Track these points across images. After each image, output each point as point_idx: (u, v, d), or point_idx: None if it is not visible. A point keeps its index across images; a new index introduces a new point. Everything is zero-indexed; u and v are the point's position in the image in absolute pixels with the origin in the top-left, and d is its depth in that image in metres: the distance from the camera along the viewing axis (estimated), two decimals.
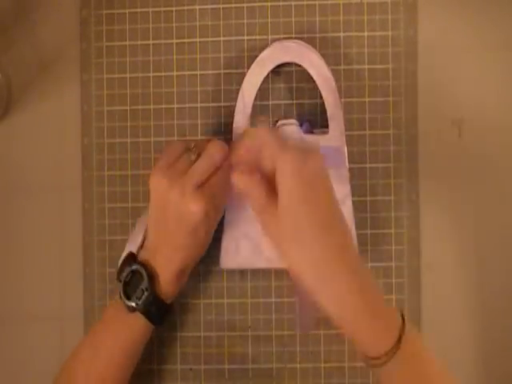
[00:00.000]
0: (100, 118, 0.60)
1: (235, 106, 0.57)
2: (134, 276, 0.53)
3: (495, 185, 0.59)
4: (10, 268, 0.61)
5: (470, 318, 0.59)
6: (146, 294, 0.52)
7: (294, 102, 0.59)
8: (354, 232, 0.55)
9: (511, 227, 0.59)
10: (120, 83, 0.60)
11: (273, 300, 0.59)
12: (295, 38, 0.58)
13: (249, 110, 0.56)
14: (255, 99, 0.57)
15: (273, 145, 0.46)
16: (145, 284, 0.52)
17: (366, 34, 0.59)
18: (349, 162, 0.56)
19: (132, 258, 0.53)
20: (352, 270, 0.45)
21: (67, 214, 0.61)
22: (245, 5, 0.59)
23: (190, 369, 0.59)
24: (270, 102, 0.59)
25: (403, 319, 0.46)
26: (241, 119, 0.56)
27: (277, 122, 0.58)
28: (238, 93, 0.57)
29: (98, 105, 0.60)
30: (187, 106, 0.60)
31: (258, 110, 0.59)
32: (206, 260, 0.59)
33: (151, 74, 0.60)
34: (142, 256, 0.53)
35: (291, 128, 0.56)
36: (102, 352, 0.53)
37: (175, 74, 0.60)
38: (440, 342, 0.58)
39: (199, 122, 0.59)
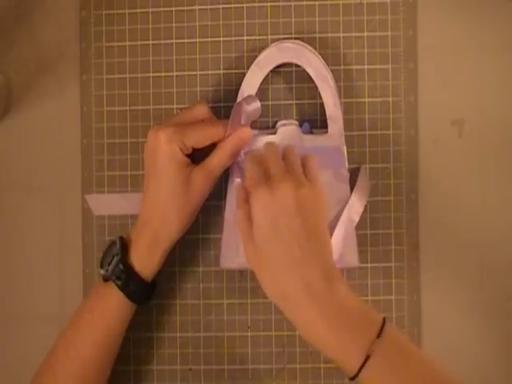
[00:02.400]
0: (100, 119, 0.60)
1: None
2: (111, 247, 0.54)
3: (495, 185, 0.59)
4: (10, 268, 0.61)
5: (469, 318, 0.59)
6: (115, 259, 0.52)
7: (294, 102, 0.59)
8: (354, 233, 0.55)
9: (511, 228, 0.59)
10: (120, 83, 0.60)
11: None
12: (295, 38, 0.58)
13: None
14: None
15: (252, 177, 0.49)
16: (116, 250, 0.53)
17: (365, 34, 0.59)
18: (348, 163, 0.56)
19: (120, 236, 0.55)
20: (318, 300, 0.46)
21: (67, 214, 0.61)
22: (244, 5, 0.59)
23: (190, 369, 0.59)
24: (270, 103, 0.59)
25: (382, 324, 0.46)
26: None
27: (276, 122, 0.58)
28: (237, 93, 0.57)
29: (98, 105, 0.60)
30: (187, 106, 0.60)
31: None
32: (205, 260, 0.59)
33: (151, 75, 0.60)
34: (128, 230, 0.55)
35: (291, 128, 0.56)
36: (80, 331, 0.53)
37: (175, 74, 0.60)
38: (440, 342, 0.58)
39: None
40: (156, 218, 0.53)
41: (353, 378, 0.45)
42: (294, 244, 0.47)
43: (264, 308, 0.59)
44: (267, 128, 0.59)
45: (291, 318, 0.48)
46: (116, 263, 0.52)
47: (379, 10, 0.58)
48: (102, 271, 0.53)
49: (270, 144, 0.52)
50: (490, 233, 0.59)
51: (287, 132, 0.55)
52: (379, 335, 0.45)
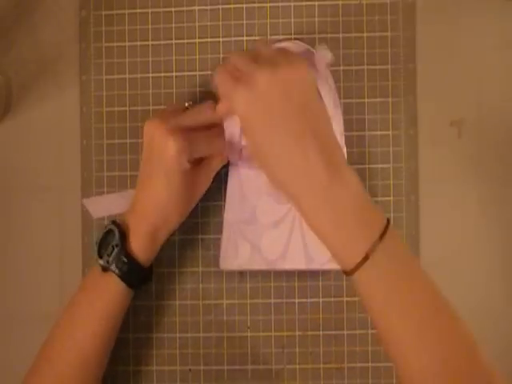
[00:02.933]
0: (99, 119, 0.60)
1: None
2: (108, 235, 0.53)
3: (495, 185, 0.59)
4: (9, 268, 0.61)
5: (469, 319, 0.59)
6: (115, 250, 0.52)
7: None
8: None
9: (511, 227, 0.59)
10: (119, 84, 0.60)
11: (272, 301, 0.59)
12: (294, 38, 0.58)
13: None
14: None
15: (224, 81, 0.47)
16: (115, 241, 0.52)
17: (365, 34, 0.59)
18: (348, 163, 0.56)
19: (113, 221, 0.54)
20: (321, 189, 0.45)
21: (67, 214, 0.61)
22: (244, 5, 0.59)
23: (189, 369, 0.59)
24: None
25: (386, 226, 0.45)
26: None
27: None
28: None
29: (97, 105, 0.60)
30: (186, 106, 0.59)
31: None
32: (205, 261, 0.59)
33: (150, 75, 0.60)
34: (123, 216, 0.54)
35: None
36: (77, 320, 0.53)
37: (174, 74, 0.60)
38: None
39: None
40: (157, 216, 0.53)
41: (348, 274, 0.45)
42: (293, 130, 0.45)
43: (263, 308, 0.59)
44: None
45: (295, 204, 0.47)
46: (117, 254, 0.52)
47: (379, 11, 0.58)
48: (101, 262, 0.52)
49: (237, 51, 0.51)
50: (490, 232, 0.59)
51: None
52: (381, 237, 0.45)
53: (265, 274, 0.59)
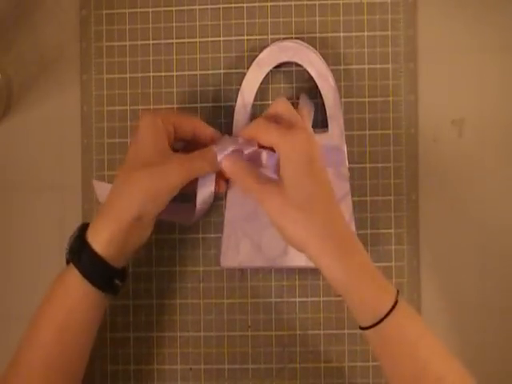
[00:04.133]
0: (100, 118, 0.60)
1: (235, 105, 0.57)
2: (75, 230, 0.52)
3: (495, 185, 0.59)
4: (9, 268, 0.61)
5: (470, 319, 0.59)
6: (74, 236, 0.51)
7: (294, 101, 0.59)
8: (353, 230, 0.55)
9: (511, 227, 0.59)
10: (120, 83, 0.60)
11: (273, 300, 0.59)
12: (295, 37, 0.58)
13: (249, 109, 0.56)
14: (255, 99, 0.57)
15: (266, 128, 0.51)
16: (77, 233, 0.51)
17: (365, 33, 0.59)
18: (349, 162, 0.56)
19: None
20: (347, 244, 0.49)
21: (67, 214, 0.61)
22: (245, 5, 0.59)
23: (190, 369, 0.59)
24: (271, 102, 0.59)
25: (397, 292, 0.49)
26: (241, 119, 0.56)
27: None
28: (238, 93, 0.57)
29: (98, 105, 0.60)
30: (187, 105, 0.60)
31: (258, 110, 0.59)
32: (205, 260, 0.59)
33: (151, 74, 0.60)
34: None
35: None
36: (42, 323, 0.50)
37: (175, 74, 0.60)
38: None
39: None
40: (118, 190, 0.51)
41: (365, 328, 0.48)
42: (326, 182, 0.51)
43: (264, 308, 0.59)
44: None
45: (320, 261, 0.49)
46: (75, 239, 0.50)
47: (379, 10, 0.59)
48: (66, 251, 0.51)
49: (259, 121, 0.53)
50: (490, 232, 0.59)
51: None
52: (396, 299, 0.48)
53: (265, 274, 0.59)
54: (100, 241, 0.49)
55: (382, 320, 0.47)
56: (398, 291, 0.49)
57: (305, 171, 0.49)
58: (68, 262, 0.50)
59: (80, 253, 0.49)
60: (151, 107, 0.60)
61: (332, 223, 0.49)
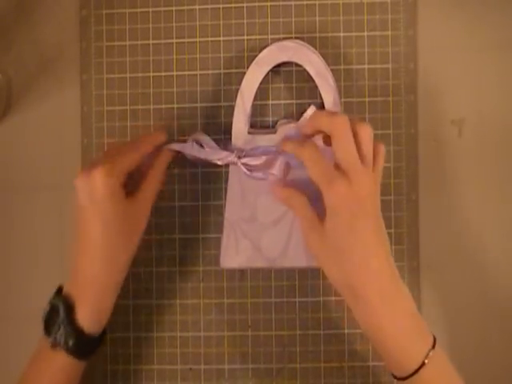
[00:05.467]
0: (100, 118, 0.60)
1: (235, 105, 0.57)
2: (53, 311, 0.50)
3: (495, 185, 0.59)
4: (9, 268, 0.61)
5: (470, 318, 0.59)
6: (61, 328, 0.49)
7: (294, 101, 0.59)
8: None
9: (511, 227, 0.59)
10: (120, 83, 0.60)
11: (273, 300, 0.59)
12: (295, 37, 0.58)
13: (248, 109, 0.56)
14: (255, 99, 0.57)
15: (323, 163, 0.48)
16: (61, 318, 0.49)
17: (365, 33, 0.59)
18: None
19: (59, 290, 0.52)
20: (388, 301, 0.47)
21: (67, 214, 0.61)
22: (245, 5, 0.59)
23: (190, 368, 0.59)
24: (270, 102, 0.59)
25: (434, 341, 0.48)
26: (240, 119, 0.56)
27: (277, 122, 0.58)
28: (237, 93, 0.57)
29: (98, 105, 0.60)
30: (187, 105, 0.60)
31: (258, 110, 0.59)
32: (205, 260, 0.59)
33: (151, 74, 0.60)
34: (66, 287, 0.51)
35: (291, 127, 0.56)
36: None
37: (175, 73, 0.60)
38: (440, 343, 0.58)
39: (199, 121, 0.59)
40: (99, 267, 0.50)
41: (401, 379, 0.48)
42: (369, 238, 0.48)
43: (264, 307, 0.59)
44: (267, 127, 0.59)
45: (356, 311, 0.49)
46: (64, 331, 0.49)
47: (379, 10, 0.59)
48: (49, 339, 0.50)
49: (340, 121, 0.48)
50: (490, 232, 0.59)
51: (287, 130, 0.55)
52: (433, 346, 0.47)
53: (265, 274, 0.59)
54: (94, 325, 0.50)
55: (408, 377, 0.47)
56: (434, 342, 0.48)
57: (345, 224, 0.47)
58: (55, 346, 0.50)
59: (76, 341, 0.49)
60: (151, 107, 0.60)
61: (367, 277, 0.48)
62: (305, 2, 0.59)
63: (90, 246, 0.50)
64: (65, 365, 0.50)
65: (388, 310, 0.47)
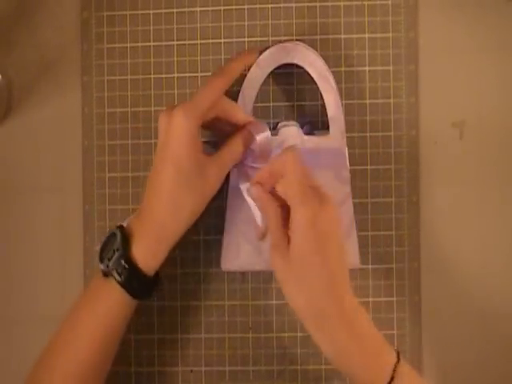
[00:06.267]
0: (101, 120, 0.60)
1: None
2: (111, 239, 0.50)
3: (496, 186, 0.59)
4: (10, 268, 0.61)
5: (470, 319, 0.59)
6: (116, 254, 0.49)
7: (295, 103, 0.59)
8: (355, 234, 0.55)
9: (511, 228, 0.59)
10: (121, 85, 0.60)
11: (274, 302, 0.59)
12: (296, 39, 0.58)
13: (249, 111, 0.56)
14: (256, 101, 0.57)
15: (294, 187, 0.47)
16: (116, 245, 0.49)
17: (366, 35, 0.59)
18: (350, 164, 0.56)
19: (119, 225, 0.52)
20: (350, 322, 0.47)
21: (68, 215, 0.61)
22: (246, 6, 0.59)
23: (191, 370, 0.59)
24: (271, 104, 0.59)
25: (398, 356, 0.47)
26: None
27: (277, 124, 0.58)
28: (239, 94, 0.57)
29: (99, 106, 0.60)
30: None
31: (259, 112, 0.59)
32: (206, 262, 0.59)
33: (152, 76, 0.60)
34: (130, 220, 0.51)
35: (292, 129, 0.56)
36: (78, 330, 0.50)
37: (176, 75, 0.60)
38: (440, 343, 0.58)
39: None
40: (164, 210, 0.50)
41: None
42: (331, 264, 0.47)
43: (265, 310, 0.59)
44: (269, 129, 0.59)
45: (320, 336, 0.47)
46: (117, 259, 0.49)
47: (380, 12, 0.59)
48: (101, 266, 0.50)
49: (293, 160, 0.48)
50: (491, 233, 0.59)
51: (288, 133, 0.55)
52: (398, 360, 0.47)
53: (266, 276, 0.59)
54: (147, 262, 0.50)
55: None
56: (398, 356, 0.47)
57: (310, 250, 0.47)
58: (106, 275, 0.50)
59: (127, 273, 0.49)
60: (152, 109, 0.60)
61: (329, 304, 0.47)
62: (306, 4, 0.59)
63: (159, 186, 0.50)
64: (117, 299, 0.50)
65: (352, 329, 0.47)
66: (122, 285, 0.49)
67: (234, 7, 0.59)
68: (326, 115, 0.56)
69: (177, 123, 0.49)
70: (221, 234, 0.57)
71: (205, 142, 0.56)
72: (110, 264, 0.49)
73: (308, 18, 0.59)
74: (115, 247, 0.49)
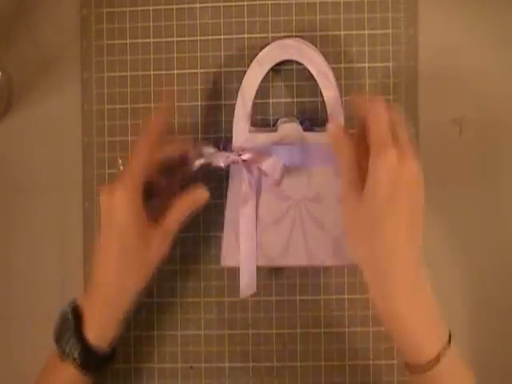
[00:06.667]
0: (101, 117, 0.60)
1: (236, 104, 0.57)
2: (64, 320, 0.50)
3: (496, 183, 0.59)
4: (10, 267, 0.61)
5: (470, 318, 0.59)
6: (69, 335, 0.49)
7: (295, 100, 0.59)
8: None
9: (511, 226, 0.59)
10: (121, 81, 0.60)
11: (273, 298, 0.59)
12: (296, 36, 0.58)
13: (249, 108, 0.56)
14: (256, 97, 0.56)
15: (383, 133, 0.46)
16: (70, 328, 0.49)
17: (366, 32, 0.59)
18: None
19: (73, 301, 0.52)
20: (411, 284, 0.46)
21: (68, 212, 0.61)
22: (245, 3, 0.59)
23: (191, 367, 0.59)
24: (271, 100, 0.59)
25: (450, 337, 0.47)
26: (241, 118, 0.56)
27: (277, 120, 0.58)
28: (238, 91, 0.57)
29: (99, 103, 0.60)
30: (188, 104, 0.60)
31: (259, 109, 0.59)
32: (206, 258, 0.59)
33: (152, 73, 0.60)
34: (79, 299, 0.51)
35: (291, 125, 0.56)
36: None
37: (176, 72, 0.60)
38: None
39: (200, 120, 0.60)
40: (111, 287, 0.50)
41: (412, 371, 0.47)
42: (404, 219, 0.45)
43: (265, 306, 0.59)
44: (268, 126, 0.59)
45: (375, 290, 0.47)
46: (71, 340, 0.49)
47: (380, 8, 0.59)
48: (56, 347, 0.50)
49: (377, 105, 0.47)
50: (491, 232, 0.59)
51: (288, 129, 0.55)
52: (449, 342, 0.46)
53: (266, 272, 0.59)
54: (100, 340, 0.50)
55: (420, 368, 0.46)
56: (449, 337, 0.46)
57: (384, 198, 0.45)
58: (62, 356, 0.50)
59: (82, 354, 0.49)
60: (152, 105, 0.60)
61: (395, 253, 0.46)
62: (305, 1, 0.59)
63: (105, 264, 0.50)
64: (73, 378, 0.50)
65: (408, 293, 0.45)
66: (79, 365, 0.49)
67: (233, 4, 0.59)
68: (326, 112, 0.56)
69: (117, 198, 0.48)
70: (220, 231, 0.57)
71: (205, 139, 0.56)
72: (65, 345, 0.49)
73: (308, 15, 0.59)
74: (68, 327, 0.50)
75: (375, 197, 0.45)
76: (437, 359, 0.45)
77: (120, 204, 0.48)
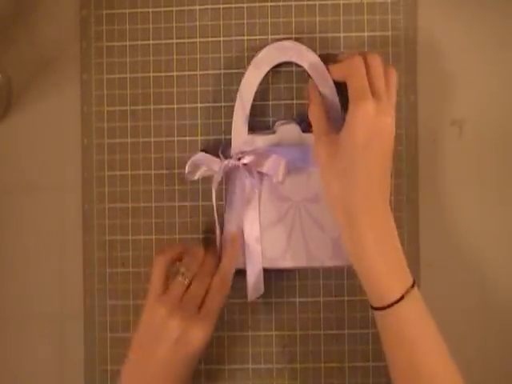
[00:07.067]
0: (100, 118, 0.60)
1: (234, 106, 0.57)
2: None
3: (495, 185, 0.59)
4: (10, 268, 0.61)
5: (470, 318, 0.59)
6: None
7: (294, 102, 0.59)
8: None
9: (511, 227, 0.59)
10: (120, 83, 0.60)
11: (273, 300, 0.59)
12: (295, 38, 0.58)
13: (247, 110, 0.56)
14: (255, 99, 0.57)
15: (363, 82, 0.50)
16: None
17: (365, 34, 0.59)
18: None
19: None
20: (379, 227, 0.49)
21: (67, 214, 0.61)
22: (245, 5, 0.59)
23: None
24: (270, 102, 0.59)
25: (414, 282, 0.50)
26: (240, 120, 0.56)
27: (275, 122, 0.58)
28: (236, 94, 0.57)
29: (98, 105, 0.60)
30: (187, 106, 0.60)
31: (258, 110, 0.59)
32: None
33: (151, 74, 0.60)
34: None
35: (290, 127, 0.56)
36: None
37: (175, 74, 0.60)
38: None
39: (199, 122, 0.59)
40: None
41: (377, 309, 0.49)
42: (377, 166, 0.49)
43: (264, 308, 0.59)
44: (267, 128, 0.59)
45: (345, 233, 0.50)
46: None
47: (379, 10, 0.59)
48: None
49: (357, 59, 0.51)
50: (490, 231, 0.59)
51: (287, 130, 0.56)
52: (413, 285, 0.49)
53: (265, 274, 0.59)
54: None
55: (384, 308, 0.48)
56: (413, 282, 0.49)
57: (360, 142, 0.49)
58: None
59: None
60: (151, 107, 0.60)
61: (368, 197, 0.49)
62: (305, 3, 0.59)
63: (150, 366, 0.52)
64: None
65: (376, 236, 0.49)
66: None
67: (233, 5, 0.59)
68: None
69: (195, 337, 0.50)
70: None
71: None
72: None
73: (307, 17, 0.59)
74: None
75: (351, 143, 0.49)
76: (400, 299, 0.48)
77: (197, 344, 0.50)
